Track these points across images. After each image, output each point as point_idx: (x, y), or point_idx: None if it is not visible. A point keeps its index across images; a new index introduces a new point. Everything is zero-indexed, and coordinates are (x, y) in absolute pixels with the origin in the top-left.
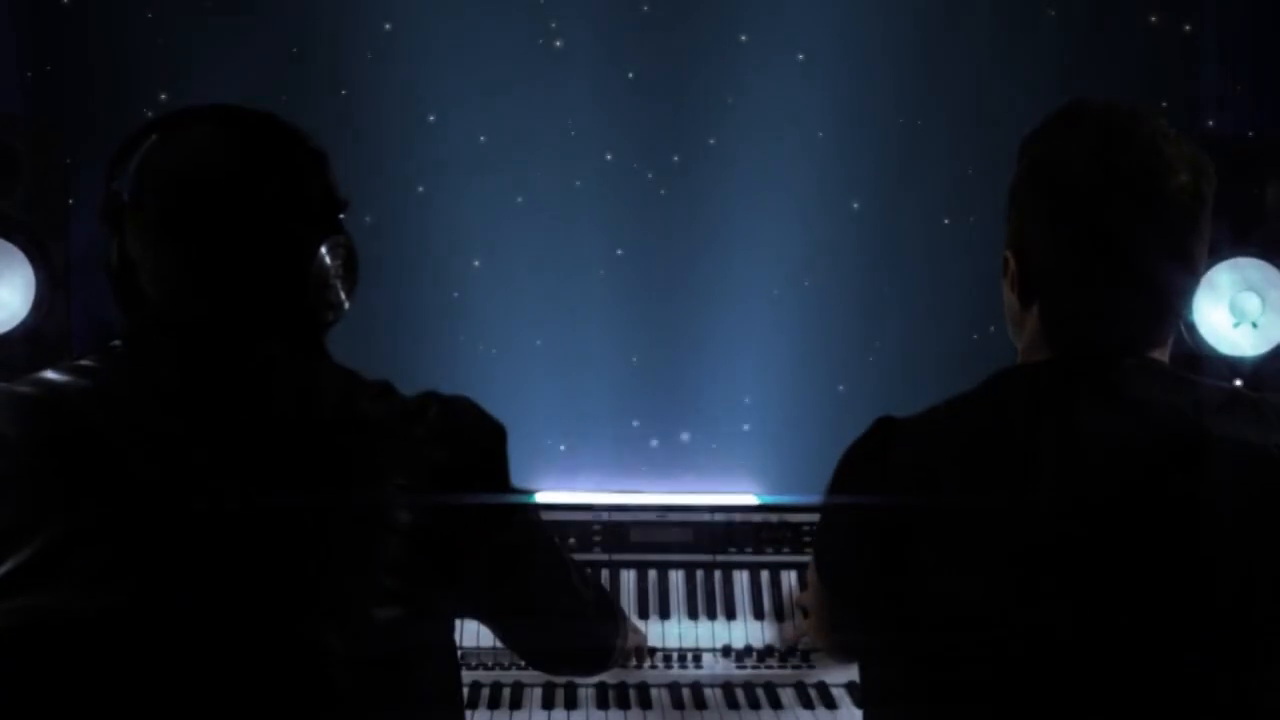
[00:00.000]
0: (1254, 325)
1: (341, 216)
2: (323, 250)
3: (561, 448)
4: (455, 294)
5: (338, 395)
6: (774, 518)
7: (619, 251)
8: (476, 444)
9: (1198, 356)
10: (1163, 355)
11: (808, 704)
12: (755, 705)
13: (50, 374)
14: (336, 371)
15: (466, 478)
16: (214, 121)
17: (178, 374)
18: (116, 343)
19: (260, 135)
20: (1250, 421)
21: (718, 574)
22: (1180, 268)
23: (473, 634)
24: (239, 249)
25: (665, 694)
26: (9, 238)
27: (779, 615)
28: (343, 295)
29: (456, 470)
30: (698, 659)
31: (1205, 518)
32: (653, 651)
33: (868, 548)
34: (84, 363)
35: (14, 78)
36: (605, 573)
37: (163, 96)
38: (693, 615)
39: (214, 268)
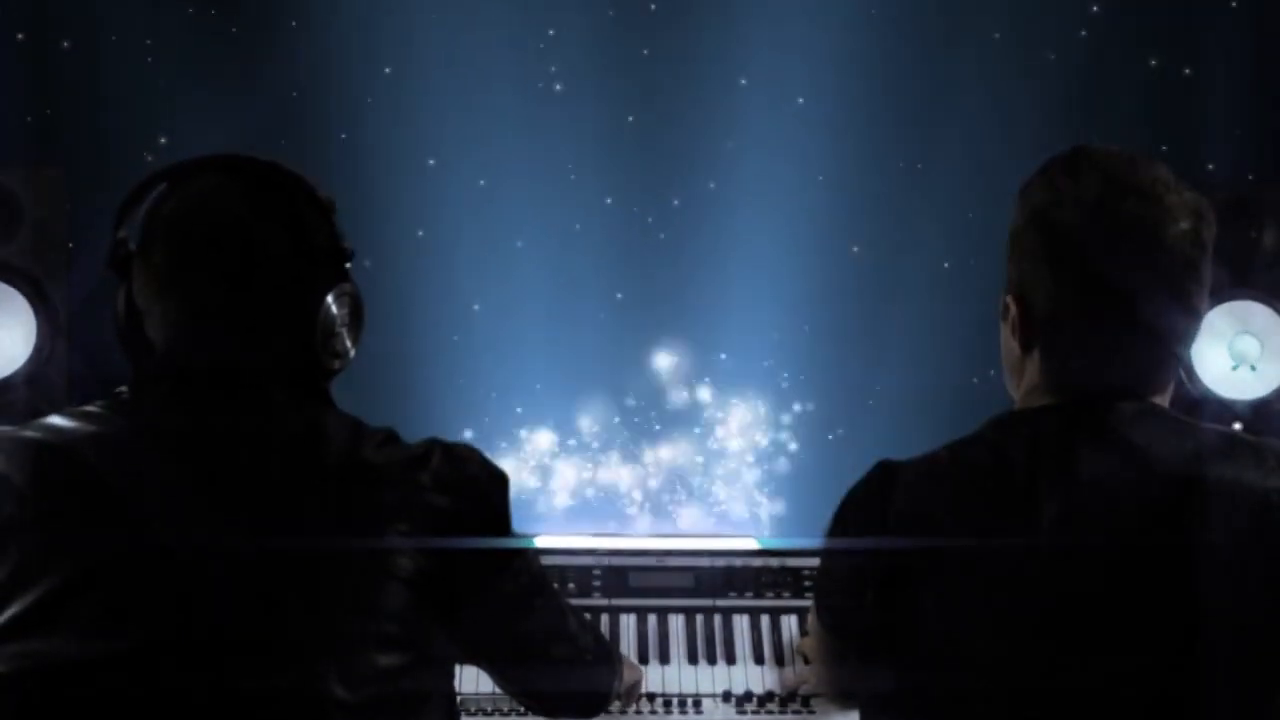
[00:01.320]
0: (1252, 368)
1: (347, 265)
2: (329, 299)
3: (561, 489)
4: (455, 338)
5: (342, 443)
6: (774, 562)
7: (619, 295)
8: (479, 492)
9: (1196, 399)
10: (1163, 400)
11: None
12: None
13: (56, 419)
14: (341, 419)
15: (469, 525)
16: (221, 170)
17: (183, 421)
18: (122, 389)
19: (267, 184)
20: (1251, 466)
21: (718, 618)
22: (1181, 313)
23: (471, 680)
24: (245, 298)
25: None
26: (9, 282)
27: (779, 660)
28: (348, 344)
29: (459, 518)
30: (698, 704)
31: (1206, 563)
32: (652, 697)
33: (868, 592)
34: (90, 409)
35: (14, 121)
36: (605, 617)
37: (163, 140)
38: (693, 660)
39: (220, 316)
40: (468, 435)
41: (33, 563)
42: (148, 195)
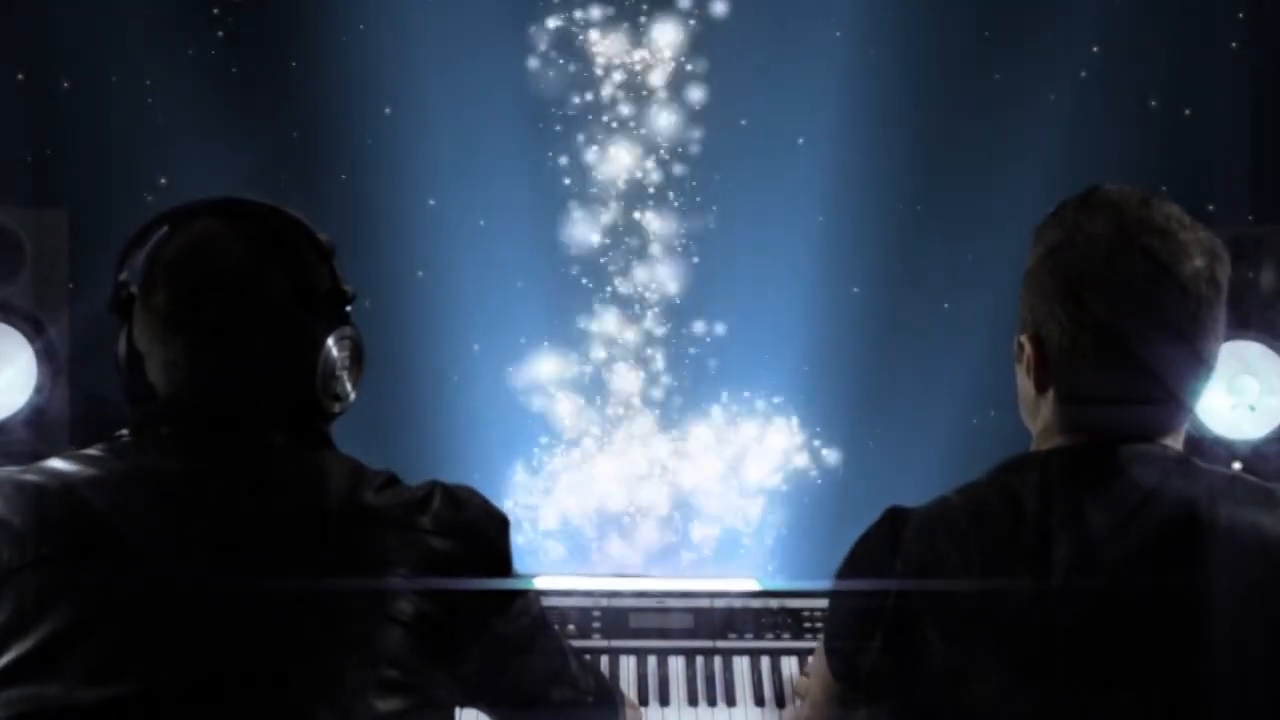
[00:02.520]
0: (1251, 408)
1: (348, 308)
2: (329, 342)
3: (561, 532)
4: (455, 378)
5: (342, 486)
6: (775, 603)
7: (620, 338)
8: (480, 535)
9: (1195, 438)
10: (1176, 441)
11: None
12: None
13: (56, 462)
14: (341, 462)
15: (470, 568)
16: (222, 214)
17: (183, 465)
18: (123, 432)
19: (268, 228)
20: (1262, 509)
21: (718, 660)
22: (1196, 353)
23: None
24: (246, 341)
25: None
26: (10, 322)
27: (779, 702)
28: (349, 387)
29: (460, 561)
30: None
31: (1217, 607)
32: None
33: (878, 638)
34: (90, 452)
35: (15, 161)
36: (605, 659)
37: (163, 181)
38: (693, 702)
39: (221, 359)
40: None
41: (32, 606)
42: (149, 238)
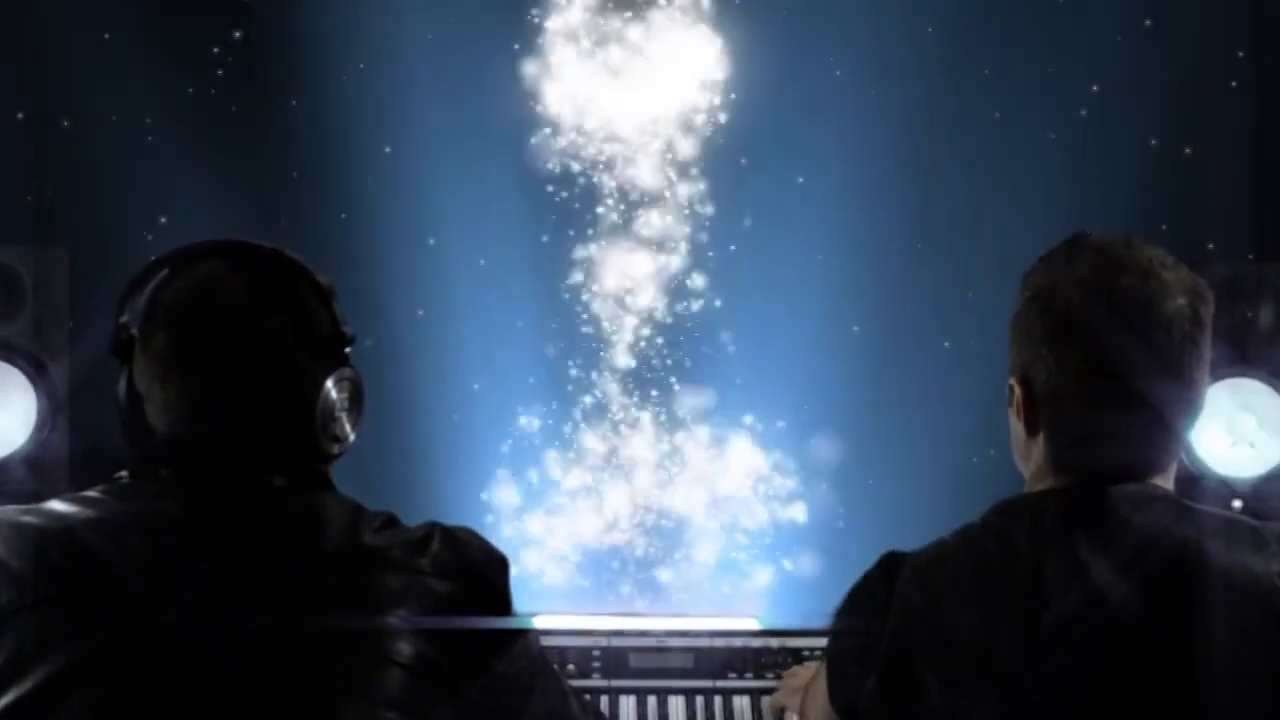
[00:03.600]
0: (1251, 445)
1: (348, 350)
2: (329, 384)
3: (561, 572)
4: (455, 417)
5: (341, 527)
6: (775, 643)
7: (621, 376)
8: (479, 576)
9: (1195, 477)
10: (1166, 481)
11: None
12: None
13: (55, 504)
14: (341, 503)
15: (469, 609)
16: (223, 256)
17: (183, 506)
18: (122, 474)
19: (268, 270)
20: (1251, 550)
21: (718, 700)
22: (1182, 392)
23: None
24: (246, 383)
25: None
26: (10, 361)
27: None
28: (348, 428)
29: (460, 602)
30: None
31: (1209, 648)
32: None
33: (875, 679)
34: (89, 494)
35: (15, 200)
36: (604, 699)
37: (163, 220)
38: None
39: (221, 401)
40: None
41: (31, 648)
42: (150, 280)
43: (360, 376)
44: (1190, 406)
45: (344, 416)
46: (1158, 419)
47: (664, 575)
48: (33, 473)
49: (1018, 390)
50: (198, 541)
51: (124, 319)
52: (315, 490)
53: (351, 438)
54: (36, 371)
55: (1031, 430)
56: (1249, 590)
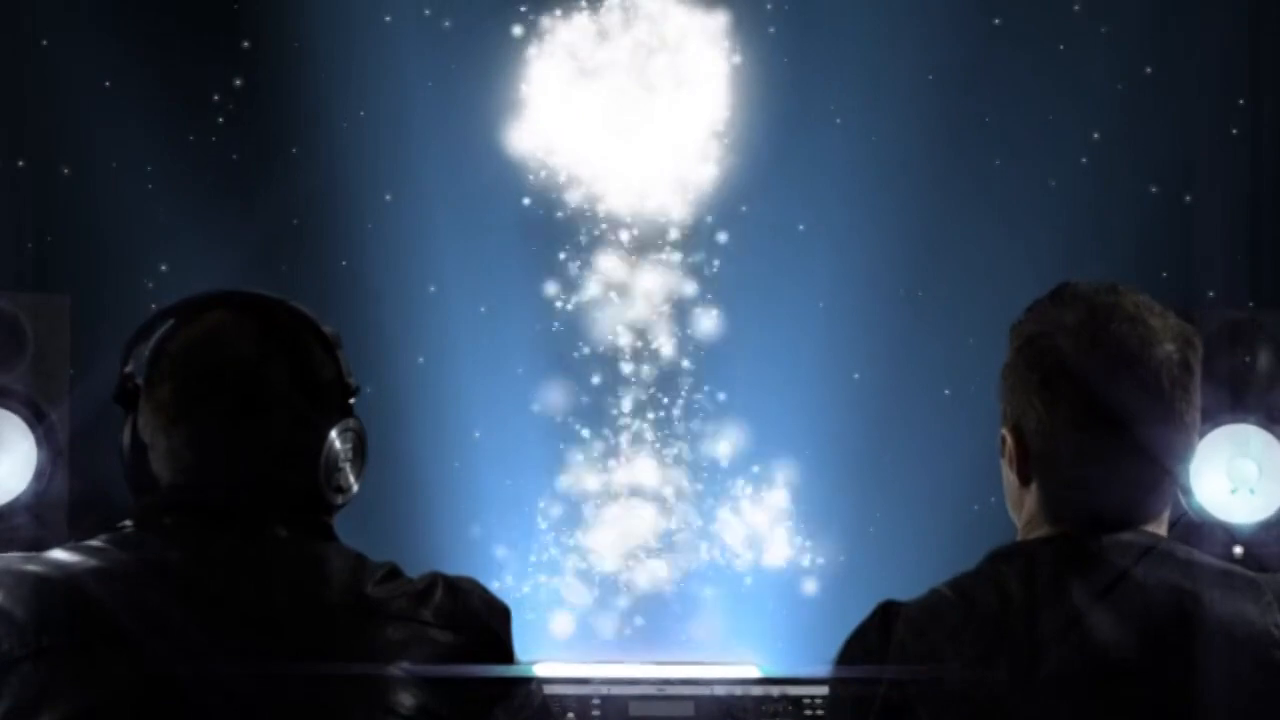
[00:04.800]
0: (1251, 492)
1: (352, 400)
2: (333, 434)
3: (561, 619)
4: (455, 464)
5: (343, 578)
6: (776, 691)
7: (623, 423)
8: (482, 627)
9: (1195, 524)
10: (1159, 528)
11: None
12: None
13: (58, 553)
14: (343, 554)
15: (472, 660)
16: (229, 306)
17: (186, 556)
18: (126, 523)
19: (274, 320)
20: (1249, 600)
21: None
22: (1173, 439)
23: None
24: (250, 434)
25: None
26: (10, 408)
27: None
28: (351, 479)
29: (462, 653)
30: None
31: (1205, 698)
32: None
33: None
34: (92, 543)
35: (16, 247)
36: None
37: (163, 267)
38: None
39: (224, 451)
40: (466, 562)
41: (33, 697)
42: (155, 330)
43: (364, 427)
44: (1183, 452)
45: (347, 467)
46: (1150, 465)
47: (665, 620)
48: (32, 519)
49: (1009, 440)
50: (201, 592)
51: (129, 368)
52: (318, 541)
53: (355, 488)
54: (36, 418)
55: (1024, 479)
56: (1246, 641)
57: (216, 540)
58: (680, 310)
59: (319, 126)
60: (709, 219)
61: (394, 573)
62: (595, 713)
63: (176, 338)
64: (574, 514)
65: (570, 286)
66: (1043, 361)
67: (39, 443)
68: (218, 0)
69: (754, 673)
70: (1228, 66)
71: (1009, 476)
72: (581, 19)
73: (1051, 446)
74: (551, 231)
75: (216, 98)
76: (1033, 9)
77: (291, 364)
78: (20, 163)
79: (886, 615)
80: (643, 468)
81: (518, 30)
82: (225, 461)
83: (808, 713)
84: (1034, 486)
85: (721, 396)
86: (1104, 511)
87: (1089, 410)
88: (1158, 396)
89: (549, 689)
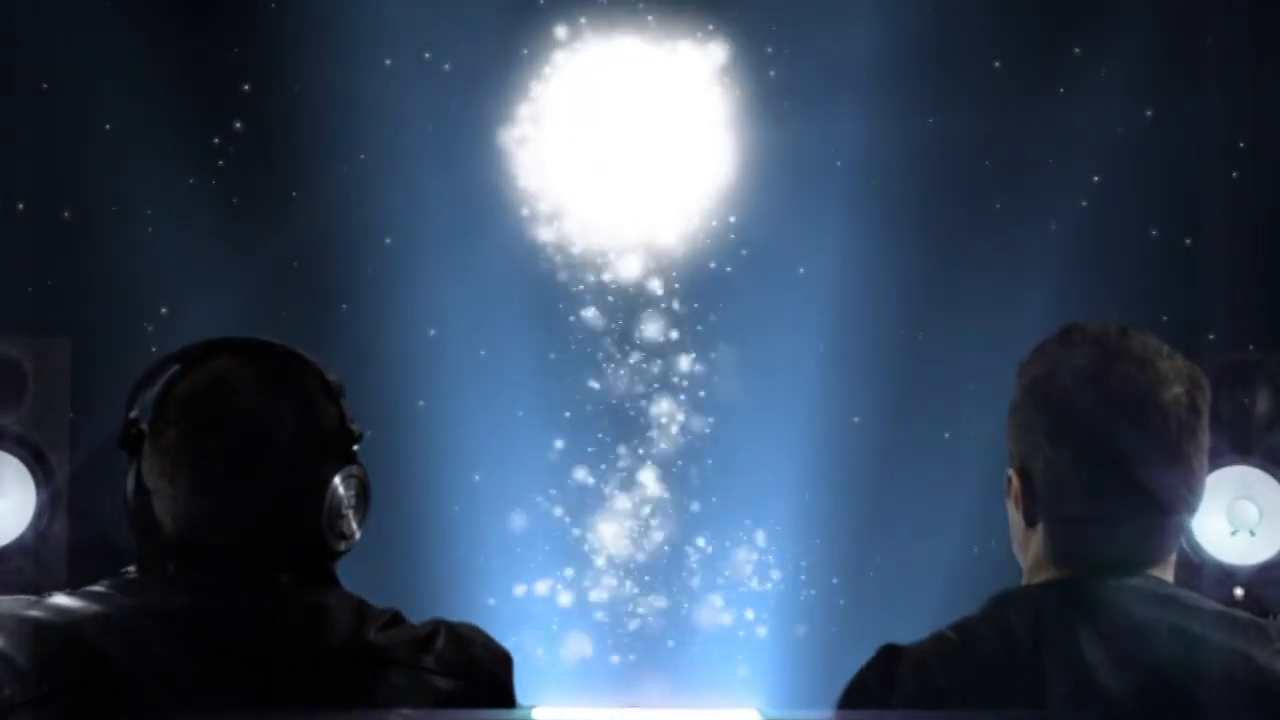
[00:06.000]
0: (1251, 533)
1: (355, 448)
2: (336, 481)
3: (561, 662)
4: (456, 508)
5: (346, 625)
6: None
7: (622, 468)
8: (484, 674)
9: (1196, 565)
10: (1165, 572)
11: None
12: None
13: (60, 599)
14: (346, 601)
15: (473, 707)
16: (234, 353)
17: (188, 602)
18: (129, 569)
19: (279, 368)
20: (1256, 644)
21: None
22: (1180, 482)
23: None
24: (254, 480)
25: None
26: (10, 451)
27: None
28: (354, 526)
29: (464, 701)
30: None
31: None
32: None
33: None
34: (95, 589)
35: (16, 291)
36: None
37: (164, 310)
38: None
39: (228, 498)
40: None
41: None
42: (161, 377)
43: (367, 474)
44: (1190, 496)
45: (350, 514)
46: (1157, 509)
47: (665, 664)
48: (31, 561)
49: (1015, 481)
50: (203, 638)
51: (134, 414)
52: (321, 588)
53: (358, 535)
54: (36, 461)
55: (1030, 521)
56: (1254, 684)
57: (219, 587)
58: (680, 352)
59: (319, 170)
60: (711, 263)
61: (396, 619)
62: None
63: (182, 384)
64: (574, 558)
65: (570, 330)
66: (1050, 402)
67: (38, 485)
68: (218, 44)
69: (755, 717)
70: (1228, 110)
71: (1014, 517)
72: (581, 63)
73: (1058, 488)
74: (552, 275)
75: (217, 141)
76: (1033, 52)
77: (295, 411)
78: (21, 205)
79: (888, 658)
80: (641, 510)
81: (518, 74)
82: (228, 508)
83: None
84: (1040, 528)
85: (721, 438)
86: (1110, 555)
87: (1096, 452)
88: (1166, 440)
89: None
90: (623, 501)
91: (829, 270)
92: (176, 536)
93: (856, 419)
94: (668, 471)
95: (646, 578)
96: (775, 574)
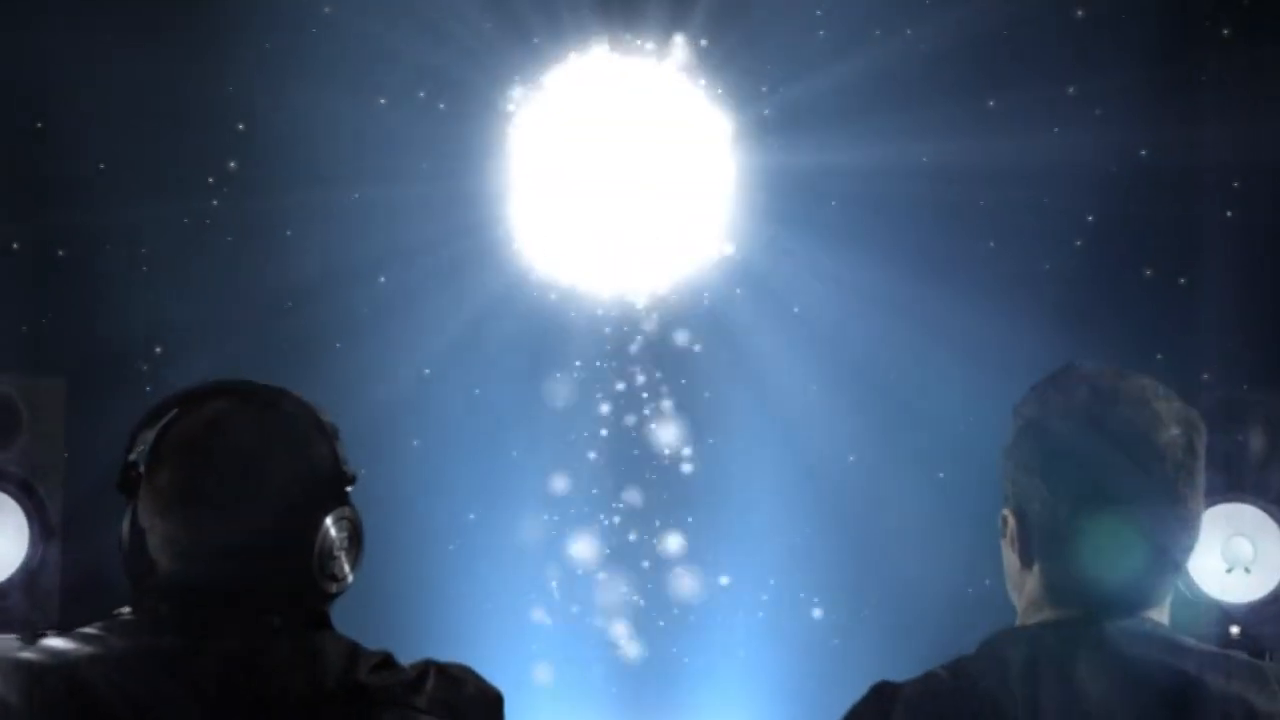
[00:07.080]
0: (1246, 571)
1: (349, 490)
2: (328, 523)
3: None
4: (450, 547)
5: (337, 667)
6: None
7: (618, 505)
8: (475, 714)
9: (1191, 603)
10: (1161, 614)
11: None
12: None
13: (54, 641)
14: (337, 642)
15: None
16: (230, 395)
17: (182, 643)
18: (123, 610)
19: (274, 411)
20: (1253, 687)
21: None
22: (1177, 524)
23: None
24: (247, 522)
25: None
26: (5, 489)
27: None
28: (347, 568)
29: None
30: None
31: None
32: None
33: None
34: (88, 630)
35: (11, 329)
36: None
37: (158, 349)
38: None
39: (221, 539)
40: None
41: None
42: (159, 419)
43: (360, 516)
44: (1187, 537)
45: (342, 556)
46: (1154, 550)
47: (662, 699)
48: (25, 598)
49: (1011, 521)
50: (196, 680)
51: (132, 457)
52: (313, 630)
53: (350, 578)
54: (30, 499)
55: (1025, 562)
56: None
57: (212, 628)
58: (675, 389)
59: (313, 209)
60: (705, 300)
61: (388, 661)
62: None
63: (178, 425)
64: (570, 597)
65: (564, 368)
66: (1046, 444)
67: (32, 523)
68: (211, 83)
69: None
70: (1222, 150)
71: (1010, 558)
72: (576, 104)
73: (1054, 529)
74: (547, 314)
75: (211, 180)
76: (1026, 92)
77: (290, 453)
78: (15, 245)
79: (881, 696)
80: (638, 547)
81: (511, 113)
82: (222, 549)
83: None
84: (1036, 569)
85: (716, 476)
86: (1107, 596)
87: (1094, 495)
88: (1163, 481)
89: None
90: (617, 538)
91: (822, 310)
92: (169, 577)
93: (851, 458)
94: (661, 507)
95: (641, 613)
96: (769, 611)
